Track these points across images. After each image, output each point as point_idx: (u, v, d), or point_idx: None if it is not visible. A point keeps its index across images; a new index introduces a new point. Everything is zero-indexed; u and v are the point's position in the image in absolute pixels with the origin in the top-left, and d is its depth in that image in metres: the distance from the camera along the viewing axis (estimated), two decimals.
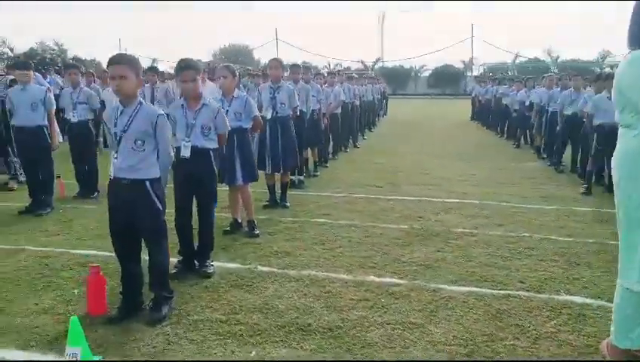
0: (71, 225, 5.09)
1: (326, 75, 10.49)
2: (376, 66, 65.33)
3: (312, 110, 7.38)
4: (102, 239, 4.59)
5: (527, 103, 11.04)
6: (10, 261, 4.08)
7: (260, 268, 3.92)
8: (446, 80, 61.22)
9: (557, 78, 9.86)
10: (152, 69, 8.09)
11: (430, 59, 58.27)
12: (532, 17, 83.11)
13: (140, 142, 2.95)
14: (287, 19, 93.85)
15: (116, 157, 2.96)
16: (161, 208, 3.05)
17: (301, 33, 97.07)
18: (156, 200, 3.02)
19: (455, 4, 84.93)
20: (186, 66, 3.67)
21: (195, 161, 3.69)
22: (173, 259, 3.67)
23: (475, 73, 62.92)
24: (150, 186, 2.99)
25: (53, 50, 48.32)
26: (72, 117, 6.15)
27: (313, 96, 7.37)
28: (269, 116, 5.61)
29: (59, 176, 6.04)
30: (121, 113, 2.96)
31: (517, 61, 62.74)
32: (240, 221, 4.93)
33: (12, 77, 7.13)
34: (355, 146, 11.64)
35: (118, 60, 2.90)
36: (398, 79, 62.66)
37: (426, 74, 63.93)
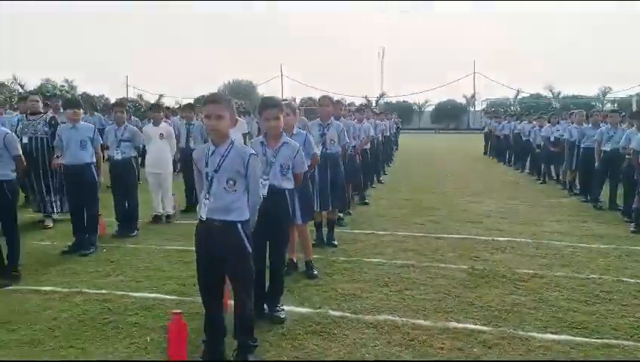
0: (120, 266, 4.94)
1: (354, 110, 10.52)
2: (380, 102, 66.25)
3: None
4: (156, 280, 4.48)
5: (552, 139, 11.05)
6: (67, 304, 3.93)
7: (331, 312, 3.77)
8: (449, 115, 61.83)
9: (587, 114, 9.88)
10: (190, 106, 8.08)
11: (432, 95, 58.73)
12: (532, 53, 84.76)
13: (231, 182, 2.85)
14: (288, 55, 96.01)
15: (207, 198, 2.86)
16: (250, 252, 2.93)
17: (302, 69, 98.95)
18: (247, 243, 2.91)
19: (457, 42, 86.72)
20: (271, 104, 3.62)
21: (271, 200, 3.58)
22: None
23: (478, 108, 64.11)
24: (242, 229, 2.88)
25: (63, 86, 49.03)
26: (116, 154, 6.09)
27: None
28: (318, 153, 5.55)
29: (100, 214, 5.93)
30: (212, 153, 2.88)
31: (519, 97, 63.47)
32: (295, 261, 4.80)
33: (52, 114, 7.16)
34: (379, 182, 11.56)
35: (215, 100, 2.84)
36: (402, 114, 63.26)
37: (429, 109, 64.58)
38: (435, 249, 5.57)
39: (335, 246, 5.65)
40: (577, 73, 76.27)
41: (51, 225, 6.71)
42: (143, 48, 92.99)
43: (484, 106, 64.81)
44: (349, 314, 3.73)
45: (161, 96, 57.20)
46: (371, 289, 4.27)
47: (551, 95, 60.64)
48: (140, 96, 54.04)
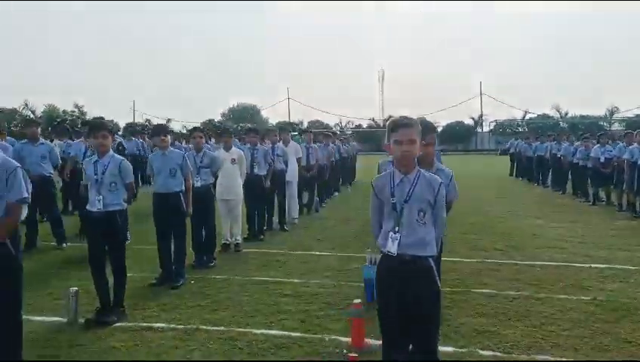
0: (220, 299, 4.69)
1: None
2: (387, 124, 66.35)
3: None
4: (270, 316, 4.24)
5: (602, 160, 10.89)
6: (194, 343, 3.68)
7: (480, 351, 3.52)
8: (458, 136, 61.91)
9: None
10: (253, 131, 7.92)
11: (439, 116, 58.79)
12: (538, 74, 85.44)
13: (422, 213, 2.63)
14: (292, 79, 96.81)
15: (397, 231, 2.64)
16: (440, 290, 2.70)
17: (306, 93, 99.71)
18: (438, 280, 2.68)
19: (462, 62, 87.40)
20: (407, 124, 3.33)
21: None
22: None
23: (486, 129, 64.28)
24: (433, 264, 2.66)
25: (73, 111, 49.21)
26: (196, 181, 5.87)
27: None
28: None
29: None
30: (400, 181, 2.67)
31: (526, 117, 63.69)
32: None
33: (120, 140, 7.01)
34: None
35: (408, 123, 2.63)
36: None
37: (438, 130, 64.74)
38: (538, 278, 5.31)
39: None
40: (583, 90, 76.47)
41: None
42: (145, 73, 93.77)
43: (491, 127, 65.27)
44: (501, 354, 3.48)
45: (169, 120, 57.34)
46: (502, 324, 4.02)
47: (558, 115, 60.92)
48: (149, 120, 54.14)
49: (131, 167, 4.40)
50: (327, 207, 11.24)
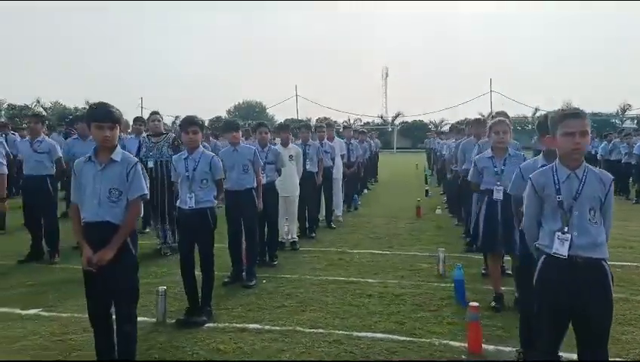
0: (303, 300, 4.52)
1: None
2: (396, 121, 66.25)
3: None
4: (363, 318, 4.08)
5: None
6: (299, 346, 3.50)
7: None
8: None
9: None
10: (305, 127, 7.75)
11: (447, 114, 58.53)
12: (549, 71, 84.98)
13: (592, 211, 2.44)
14: (300, 75, 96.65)
15: (566, 232, 2.46)
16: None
17: (313, 90, 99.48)
18: (612, 287, 2.49)
19: (473, 59, 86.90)
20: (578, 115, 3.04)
21: None
22: None
23: None
24: (608, 269, 2.47)
25: (84, 108, 49.10)
26: (263, 178, 5.70)
27: None
28: None
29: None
30: (567, 177, 2.48)
31: (537, 115, 63.35)
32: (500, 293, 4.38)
33: (174, 135, 6.82)
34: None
35: (580, 114, 2.45)
36: (419, 133, 63.30)
37: (446, 128, 64.39)
38: (626, 279, 5.11)
39: None
40: (594, 87, 75.81)
41: (169, 253, 6.30)
42: (152, 69, 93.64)
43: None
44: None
45: (177, 117, 57.17)
46: (614, 329, 3.81)
47: None
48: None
49: (221, 163, 4.23)
50: (362, 204, 11.05)
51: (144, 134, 8.02)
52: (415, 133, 63.55)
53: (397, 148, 57.12)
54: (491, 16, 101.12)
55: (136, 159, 3.04)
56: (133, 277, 2.98)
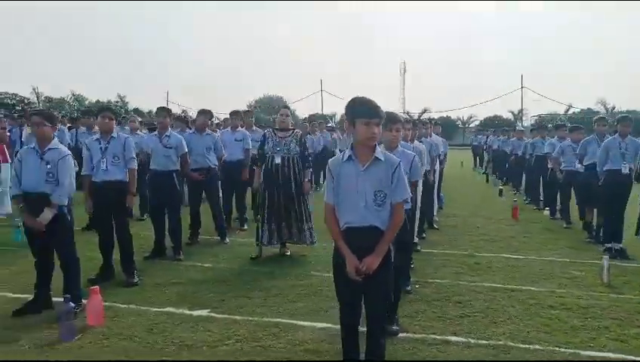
0: (481, 309, 4.26)
1: None
2: (422, 117, 65.49)
3: None
4: (557, 332, 3.79)
5: None
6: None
7: None
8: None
9: None
10: (423, 123, 7.55)
11: (477, 109, 57.82)
12: (582, 67, 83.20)
13: None
14: (325, 71, 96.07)
15: None
16: None
17: (338, 84, 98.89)
18: None
19: (502, 55, 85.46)
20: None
21: None
22: None
23: (526, 124, 62.83)
24: None
25: (117, 102, 49.56)
26: None
27: None
28: None
29: None
30: None
31: (569, 112, 62.02)
32: None
33: (300, 131, 6.61)
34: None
35: None
36: (446, 130, 62.59)
37: (473, 125, 63.47)
38: None
39: None
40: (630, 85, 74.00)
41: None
42: (178, 63, 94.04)
43: (532, 122, 63.74)
44: None
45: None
46: None
47: (604, 110, 59.07)
48: (185, 111, 54.32)
49: None
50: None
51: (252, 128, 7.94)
52: (442, 130, 62.55)
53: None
54: (521, 13, 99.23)
55: (399, 159, 2.81)
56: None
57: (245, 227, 7.79)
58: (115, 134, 5.11)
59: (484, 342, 3.59)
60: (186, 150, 6.09)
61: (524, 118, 61.43)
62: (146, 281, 5.04)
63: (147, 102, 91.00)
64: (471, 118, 65.47)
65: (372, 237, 2.67)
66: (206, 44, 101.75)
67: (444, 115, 65.00)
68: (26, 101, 39.13)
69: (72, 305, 3.71)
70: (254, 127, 9.11)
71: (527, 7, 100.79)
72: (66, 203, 4.12)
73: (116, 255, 5.16)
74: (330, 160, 2.85)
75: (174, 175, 5.94)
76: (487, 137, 21.53)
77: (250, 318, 4.06)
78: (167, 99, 62.96)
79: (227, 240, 6.86)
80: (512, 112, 62.28)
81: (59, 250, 4.16)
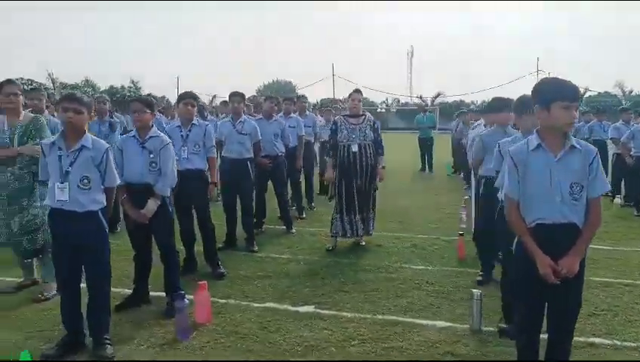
0: (608, 307, 4.04)
1: None
2: (436, 101, 64.75)
3: None
4: None
5: None
6: None
7: None
8: None
9: None
10: None
11: (492, 93, 56.79)
12: (599, 51, 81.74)
13: None
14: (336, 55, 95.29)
15: None
16: None
17: (350, 69, 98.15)
18: None
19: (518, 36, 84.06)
20: None
21: None
22: None
23: None
24: None
25: (130, 87, 49.34)
26: None
27: None
28: None
29: None
30: None
31: (586, 95, 61.09)
32: None
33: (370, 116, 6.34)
34: None
35: None
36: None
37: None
38: None
39: None
40: None
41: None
42: (189, 48, 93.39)
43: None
44: None
45: (214, 96, 56.95)
46: None
47: (621, 93, 58.06)
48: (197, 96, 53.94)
49: None
50: None
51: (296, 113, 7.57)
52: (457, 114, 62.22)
53: (439, 130, 56.11)
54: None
55: None
56: None
57: (304, 215, 7.60)
58: (196, 121, 4.87)
59: (631, 344, 3.35)
60: (260, 137, 5.85)
61: None
62: (232, 274, 4.85)
63: (158, 87, 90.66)
64: (484, 102, 64.62)
65: (570, 235, 2.41)
66: (215, 29, 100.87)
67: (458, 100, 64.32)
68: (43, 87, 38.97)
69: (186, 301, 3.50)
70: (307, 112, 8.86)
71: None
72: (169, 194, 3.90)
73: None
74: (512, 149, 2.59)
75: (248, 163, 5.70)
76: None
77: (362, 315, 3.84)
78: (177, 84, 63.07)
79: (294, 229, 6.65)
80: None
81: (160, 242, 3.95)
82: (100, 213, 3.20)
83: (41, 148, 3.21)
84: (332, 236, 5.89)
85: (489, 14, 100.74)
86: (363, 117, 5.90)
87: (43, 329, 3.62)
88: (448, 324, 3.68)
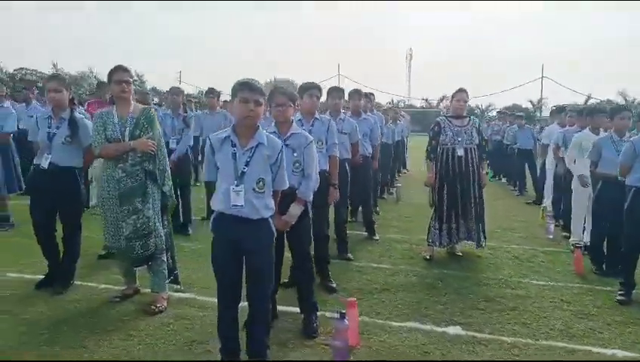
0: None
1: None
2: (440, 105, 64.53)
3: None
4: None
5: None
6: None
7: None
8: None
9: None
10: None
11: (496, 98, 56.64)
12: (603, 57, 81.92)
13: None
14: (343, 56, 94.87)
15: None
16: None
17: (356, 70, 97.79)
18: None
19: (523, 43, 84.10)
20: None
21: None
22: None
23: (545, 114, 61.91)
24: None
25: (135, 80, 48.79)
26: None
27: None
28: None
29: None
30: None
31: (589, 102, 61.13)
32: None
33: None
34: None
35: None
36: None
37: (492, 113, 62.65)
38: None
39: None
40: None
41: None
42: (193, 44, 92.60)
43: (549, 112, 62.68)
44: None
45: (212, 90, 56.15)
46: None
47: (624, 101, 58.19)
48: (201, 92, 53.48)
49: None
50: None
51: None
52: None
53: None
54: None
55: None
56: None
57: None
58: (317, 115, 4.41)
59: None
60: (360, 137, 5.44)
61: (543, 108, 60.62)
62: (343, 286, 4.44)
63: (160, 81, 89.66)
64: (490, 106, 64.51)
65: None
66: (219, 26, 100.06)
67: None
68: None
69: (346, 322, 3.09)
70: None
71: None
72: (311, 198, 3.48)
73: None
74: None
75: (346, 164, 5.27)
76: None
77: (523, 340, 3.44)
78: (179, 79, 62.19)
79: (377, 236, 6.25)
80: (532, 102, 61.31)
81: (298, 250, 3.53)
82: (270, 220, 2.78)
83: (209, 143, 2.77)
84: (429, 245, 5.50)
85: (491, 18, 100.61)
86: (468, 118, 5.52)
87: (168, 341, 3.21)
88: (629, 354, 3.30)
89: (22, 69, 38.51)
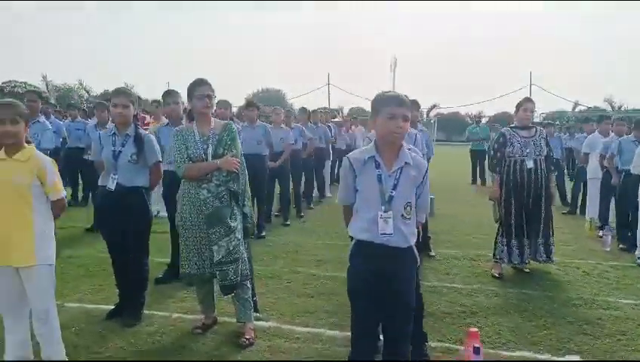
0: None
1: None
2: (431, 113, 64.83)
3: None
4: None
5: None
6: None
7: None
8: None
9: None
10: None
11: (485, 106, 57.18)
12: (590, 64, 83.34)
13: None
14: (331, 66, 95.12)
15: None
16: None
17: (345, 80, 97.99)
18: None
19: (510, 51, 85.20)
20: None
21: None
22: None
23: (534, 121, 62.32)
24: None
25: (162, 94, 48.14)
26: None
27: None
28: None
29: None
30: None
31: (576, 109, 61.99)
32: None
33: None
34: None
35: None
36: (455, 126, 62.48)
37: (483, 121, 63.14)
38: None
39: None
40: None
41: None
42: (179, 56, 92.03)
43: (540, 119, 63.24)
44: None
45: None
46: None
47: (610, 108, 59.03)
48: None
49: None
50: None
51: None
52: (452, 126, 63.08)
53: (437, 141, 56.34)
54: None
55: None
56: None
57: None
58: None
59: None
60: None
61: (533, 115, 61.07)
62: (426, 309, 4.16)
63: (148, 91, 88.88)
64: (480, 113, 65.10)
65: None
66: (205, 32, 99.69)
67: (454, 111, 64.67)
68: (37, 90, 37.53)
69: (482, 357, 2.82)
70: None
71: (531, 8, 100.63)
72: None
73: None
74: None
75: None
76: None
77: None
78: (168, 88, 61.35)
79: (433, 251, 6.00)
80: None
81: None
82: (414, 248, 2.51)
83: (349, 164, 2.49)
84: (496, 262, 5.27)
85: (478, 26, 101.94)
86: (535, 129, 5.32)
87: None
88: None
89: (10, 81, 37.79)
